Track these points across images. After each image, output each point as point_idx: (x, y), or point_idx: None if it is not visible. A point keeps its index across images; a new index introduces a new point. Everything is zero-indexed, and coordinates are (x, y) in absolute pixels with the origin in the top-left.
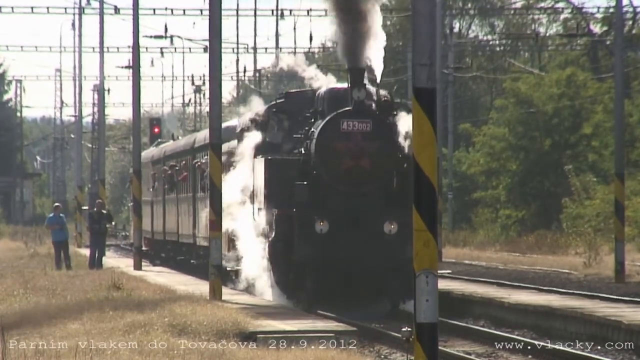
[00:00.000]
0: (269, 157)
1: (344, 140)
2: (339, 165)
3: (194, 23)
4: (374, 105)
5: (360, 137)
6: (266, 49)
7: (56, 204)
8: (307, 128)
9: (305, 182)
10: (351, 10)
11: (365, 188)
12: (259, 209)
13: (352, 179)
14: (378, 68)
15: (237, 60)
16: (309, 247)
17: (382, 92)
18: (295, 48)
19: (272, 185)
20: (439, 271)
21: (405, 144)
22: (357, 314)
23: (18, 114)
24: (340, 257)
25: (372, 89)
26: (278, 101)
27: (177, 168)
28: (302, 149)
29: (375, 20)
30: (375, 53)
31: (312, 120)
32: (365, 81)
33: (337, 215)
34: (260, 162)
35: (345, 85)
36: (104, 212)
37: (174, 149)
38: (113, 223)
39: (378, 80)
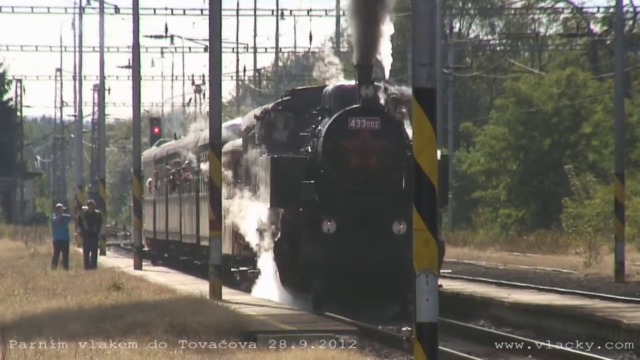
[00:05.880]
0: (275, 156)
1: (351, 138)
2: (346, 164)
3: (194, 23)
4: (382, 101)
5: (368, 135)
6: (266, 49)
7: (58, 204)
8: (314, 126)
9: (312, 181)
10: (362, 11)
11: (374, 187)
12: (265, 209)
13: (360, 178)
14: (387, 64)
15: (237, 60)
16: (316, 247)
17: (391, 88)
18: (295, 48)
19: (279, 184)
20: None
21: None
22: (365, 315)
23: (18, 113)
24: (348, 257)
25: (381, 86)
26: (284, 98)
27: (179, 168)
28: (309, 147)
29: (386, 17)
30: (384, 50)
31: (319, 118)
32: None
33: (344, 214)
34: (266, 161)
35: (352, 82)
36: (97, 211)
37: (175, 149)
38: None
39: (387, 77)
